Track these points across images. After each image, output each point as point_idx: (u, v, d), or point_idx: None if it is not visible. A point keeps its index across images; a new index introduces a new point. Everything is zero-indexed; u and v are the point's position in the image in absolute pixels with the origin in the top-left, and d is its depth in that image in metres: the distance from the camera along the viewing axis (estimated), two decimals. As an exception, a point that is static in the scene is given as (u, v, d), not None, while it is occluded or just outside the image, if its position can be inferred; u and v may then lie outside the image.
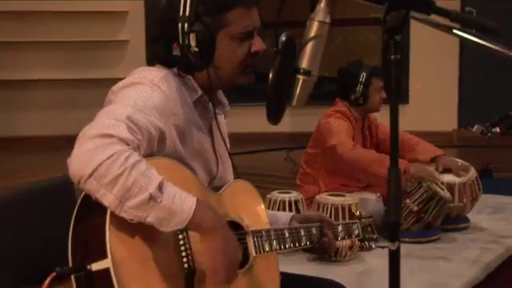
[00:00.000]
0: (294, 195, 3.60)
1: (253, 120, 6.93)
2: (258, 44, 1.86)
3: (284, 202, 3.53)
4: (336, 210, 3.41)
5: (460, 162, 4.04)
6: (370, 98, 3.98)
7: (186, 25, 1.77)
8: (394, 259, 1.47)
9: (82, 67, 7.66)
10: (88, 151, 1.53)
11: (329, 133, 3.88)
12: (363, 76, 3.95)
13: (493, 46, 1.62)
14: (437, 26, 1.64)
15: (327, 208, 3.44)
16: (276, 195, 3.59)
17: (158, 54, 1.85)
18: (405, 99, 7.89)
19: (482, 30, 1.51)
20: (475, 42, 1.63)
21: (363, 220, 2.28)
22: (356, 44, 8.86)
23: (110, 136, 1.55)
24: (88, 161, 1.52)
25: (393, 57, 1.44)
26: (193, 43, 1.77)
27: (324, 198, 3.51)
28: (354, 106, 4.01)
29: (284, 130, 6.82)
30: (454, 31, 1.64)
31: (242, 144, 7.10)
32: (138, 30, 7.61)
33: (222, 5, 1.81)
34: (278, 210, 3.49)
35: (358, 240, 2.28)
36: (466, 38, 1.64)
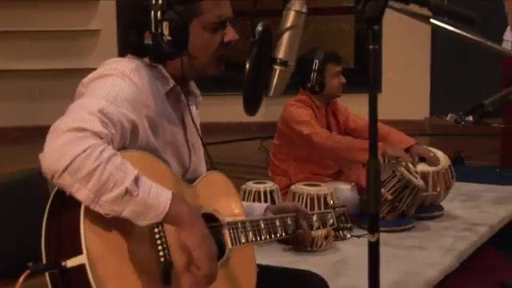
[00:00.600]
0: (269, 185, 3.58)
1: (226, 109, 6.92)
2: (230, 34, 1.85)
3: (259, 193, 3.51)
4: (311, 199, 3.41)
5: (433, 151, 4.05)
6: (327, 84, 3.96)
7: (158, 13, 1.74)
8: (374, 250, 1.47)
9: (53, 57, 7.57)
10: (61, 145, 1.50)
11: (295, 123, 3.87)
12: (316, 63, 3.93)
13: (471, 36, 1.62)
14: (414, 15, 1.64)
15: (303, 198, 3.43)
16: (251, 185, 3.57)
17: (130, 42, 1.82)
18: (378, 88, 7.91)
19: (462, 19, 1.50)
20: (452, 32, 1.63)
21: (337, 209, 2.29)
22: (328, 33, 8.86)
23: (84, 130, 1.52)
24: (61, 155, 1.49)
25: (371, 47, 1.43)
26: (166, 32, 1.74)
27: (299, 188, 3.50)
28: (314, 94, 4.00)
29: (258, 119, 6.82)
30: (432, 21, 1.63)
31: (216, 134, 7.08)
32: (109, 20, 7.53)
33: None
34: (253, 200, 3.47)
35: (333, 229, 2.28)
36: (443, 28, 1.64)
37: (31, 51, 7.60)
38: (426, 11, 1.59)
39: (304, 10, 1.70)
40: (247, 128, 7.35)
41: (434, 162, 3.95)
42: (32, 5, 7.48)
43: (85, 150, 1.49)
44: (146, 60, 1.82)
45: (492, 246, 3.94)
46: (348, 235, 2.37)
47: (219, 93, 7.10)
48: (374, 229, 1.47)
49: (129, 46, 1.83)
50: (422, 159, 3.99)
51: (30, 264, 1.56)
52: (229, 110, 6.55)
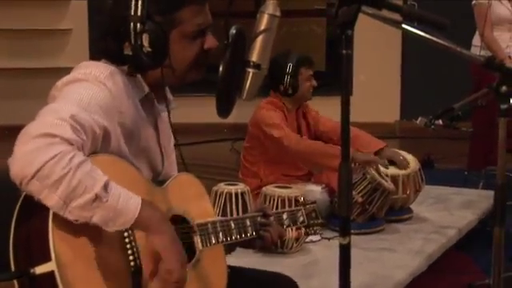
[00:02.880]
0: (240, 187, 3.58)
1: (198, 110, 6.90)
2: (210, 41, 1.84)
3: (230, 194, 3.51)
4: (282, 201, 3.41)
5: (402, 155, 4.08)
6: (300, 87, 3.98)
7: (138, 24, 1.72)
8: (345, 253, 1.48)
9: (23, 56, 7.49)
10: (31, 151, 1.49)
11: (266, 125, 3.88)
12: (290, 66, 3.94)
13: (441, 42, 1.65)
14: (385, 20, 1.66)
15: (274, 200, 3.44)
16: (222, 187, 3.57)
17: (108, 50, 1.80)
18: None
19: (432, 25, 1.53)
20: (422, 37, 1.65)
21: (307, 206, 2.30)
22: (300, 35, 8.90)
23: (54, 136, 1.51)
24: (30, 161, 1.48)
25: (344, 51, 1.44)
26: (146, 43, 1.73)
27: (270, 190, 3.51)
28: (286, 97, 4.02)
29: (229, 120, 6.82)
30: (403, 26, 1.66)
31: (187, 134, 7.03)
32: (81, 19, 7.47)
33: (175, 3, 1.77)
34: (225, 202, 3.46)
35: (303, 226, 2.29)
36: (414, 33, 1.66)
37: (2, 50, 7.52)
38: (397, 16, 1.61)
39: (277, 13, 1.72)
40: (218, 129, 7.35)
41: (403, 165, 3.99)
42: (2, 3, 7.40)
43: (54, 157, 1.48)
44: (124, 68, 1.80)
45: (460, 249, 3.98)
46: (319, 232, 2.39)
47: (190, 93, 7.07)
48: (345, 232, 1.49)
49: (106, 53, 1.81)
50: (392, 162, 4.02)
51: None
52: (200, 110, 6.53)
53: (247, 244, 2.08)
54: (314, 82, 4.04)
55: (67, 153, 1.50)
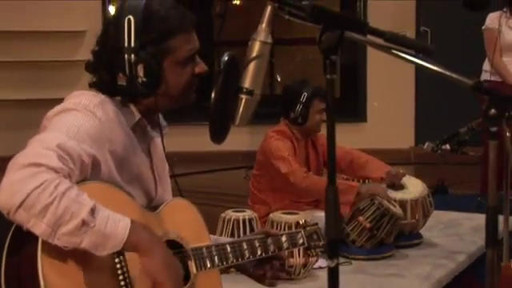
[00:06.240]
0: (248, 214, 3.59)
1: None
2: (200, 66, 1.89)
3: (238, 221, 3.52)
4: (289, 228, 3.41)
5: (411, 179, 4.07)
6: (310, 118, 3.96)
7: (132, 55, 1.77)
8: (334, 276, 1.49)
9: (40, 87, 7.60)
10: (16, 182, 1.52)
11: (273, 157, 3.89)
12: (304, 96, 3.92)
13: (429, 66, 1.66)
14: (375, 45, 1.68)
15: (281, 226, 3.43)
16: (230, 214, 3.58)
17: (101, 83, 1.84)
18: (363, 117, 7.98)
19: (417, 50, 1.55)
20: (411, 61, 1.67)
21: (308, 228, 2.30)
22: (315, 63, 8.94)
23: (39, 165, 1.54)
24: (16, 191, 1.51)
25: (328, 76, 1.47)
26: (140, 73, 1.77)
27: (278, 216, 3.52)
28: (295, 126, 4.02)
29: (243, 148, 6.85)
30: (393, 51, 1.68)
31: (201, 163, 7.11)
32: (96, 50, 7.57)
33: (166, 33, 1.81)
34: (232, 228, 3.47)
35: (304, 248, 2.29)
36: (405, 59, 1.68)
37: (19, 82, 7.63)
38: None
39: (269, 40, 1.74)
40: (233, 157, 7.37)
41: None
42: (20, 36, 7.52)
43: (39, 186, 1.51)
44: (118, 99, 1.84)
45: (471, 275, 3.95)
46: (320, 253, 2.39)
47: (204, 122, 7.13)
48: (333, 254, 1.50)
49: (100, 84, 1.85)
50: (399, 187, 4.01)
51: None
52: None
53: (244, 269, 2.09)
54: (325, 116, 4.02)
55: (52, 181, 1.53)
